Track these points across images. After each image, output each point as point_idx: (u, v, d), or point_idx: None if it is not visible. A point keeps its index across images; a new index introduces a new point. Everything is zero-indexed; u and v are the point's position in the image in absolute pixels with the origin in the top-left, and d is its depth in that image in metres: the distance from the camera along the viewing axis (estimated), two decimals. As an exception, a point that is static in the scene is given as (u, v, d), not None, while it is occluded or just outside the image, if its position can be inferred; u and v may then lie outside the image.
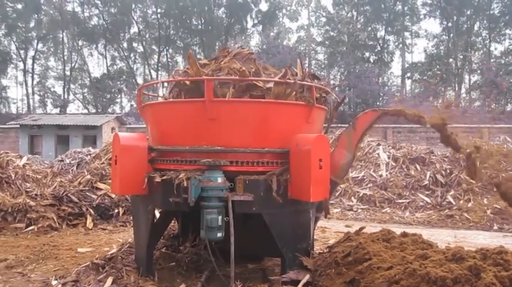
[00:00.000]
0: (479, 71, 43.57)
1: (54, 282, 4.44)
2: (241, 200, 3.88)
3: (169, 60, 51.70)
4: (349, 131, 4.53)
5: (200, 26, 49.86)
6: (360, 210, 10.43)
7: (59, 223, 7.69)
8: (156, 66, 51.30)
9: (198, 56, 47.73)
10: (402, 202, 10.57)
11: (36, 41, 50.65)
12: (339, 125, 11.39)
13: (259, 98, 4.21)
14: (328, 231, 7.83)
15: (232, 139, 4.03)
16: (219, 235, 3.86)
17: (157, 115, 4.56)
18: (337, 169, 4.41)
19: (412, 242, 3.90)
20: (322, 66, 44.84)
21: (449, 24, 45.49)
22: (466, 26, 45.62)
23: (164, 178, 4.02)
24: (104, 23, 50.20)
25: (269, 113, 4.14)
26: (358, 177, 11.78)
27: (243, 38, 49.65)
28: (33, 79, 51.08)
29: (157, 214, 5.11)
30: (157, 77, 48.27)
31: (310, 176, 3.77)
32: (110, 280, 4.22)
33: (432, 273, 3.00)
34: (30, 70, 50.85)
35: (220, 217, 3.81)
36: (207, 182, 3.82)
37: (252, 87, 4.24)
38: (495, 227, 8.68)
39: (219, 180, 3.86)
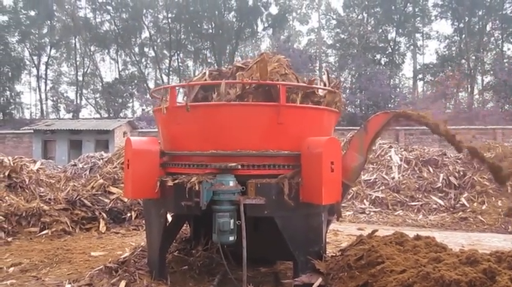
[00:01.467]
0: (491, 72, 43.04)
1: (67, 286, 4.48)
2: (253, 204, 3.88)
3: (180, 64, 51.97)
4: (360, 134, 4.52)
5: (211, 30, 50.01)
6: (372, 213, 10.36)
7: (72, 227, 7.77)
8: (167, 71, 51.64)
9: (209, 61, 47.96)
10: (415, 205, 10.48)
11: (49, 47, 51.20)
12: (350, 127, 11.36)
13: (317, 104, 4.45)
14: (340, 234, 7.79)
15: (295, 143, 4.08)
16: (231, 238, 3.87)
17: (211, 117, 4.19)
18: (349, 172, 4.40)
19: (426, 245, 3.86)
20: (333, 68, 44.59)
21: (461, 25, 45.01)
22: (478, 26, 45.08)
23: (176, 181, 4.04)
24: (116, 28, 50.59)
25: (323, 119, 4.40)
26: (370, 180, 11.71)
27: (253, 41, 49.71)
28: (46, 85, 51.68)
29: (169, 217, 5.13)
30: (168, 81, 48.46)
31: (321, 179, 3.75)
32: (123, 283, 4.25)
33: (446, 276, 2.97)
34: (43, 76, 51.48)
35: (232, 221, 3.82)
36: (219, 185, 3.83)
37: (311, 94, 4.47)
38: (510, 230, 8.55)
39: (231, 183, 3.86)
